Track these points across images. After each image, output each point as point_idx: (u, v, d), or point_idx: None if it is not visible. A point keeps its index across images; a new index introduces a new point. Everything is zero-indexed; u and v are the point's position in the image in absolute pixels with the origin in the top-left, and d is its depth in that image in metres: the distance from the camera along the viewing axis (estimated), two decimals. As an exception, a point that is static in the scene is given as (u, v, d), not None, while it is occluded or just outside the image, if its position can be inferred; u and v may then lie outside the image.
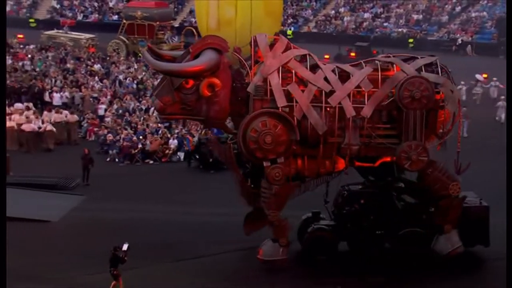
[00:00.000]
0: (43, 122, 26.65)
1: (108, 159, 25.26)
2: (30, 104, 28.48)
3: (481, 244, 16.45)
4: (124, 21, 41.70)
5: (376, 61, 16.21)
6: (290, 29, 49.75)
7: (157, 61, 15.96)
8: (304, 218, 17.25)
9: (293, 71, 15.80)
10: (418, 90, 15.34)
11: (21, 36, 44.83)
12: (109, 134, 26.21)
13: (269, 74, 15.60)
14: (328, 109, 15.61)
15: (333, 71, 15.89)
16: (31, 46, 41.53)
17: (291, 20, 52.19)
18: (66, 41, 42.48)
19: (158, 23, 40.79)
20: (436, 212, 16.01)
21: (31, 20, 53.34)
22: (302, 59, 16.16)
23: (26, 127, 26.14)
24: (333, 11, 53.31)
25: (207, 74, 15.43)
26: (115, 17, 52.98)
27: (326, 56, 44.65)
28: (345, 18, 51.85)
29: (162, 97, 15.59)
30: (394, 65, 16.02)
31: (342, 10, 53.18)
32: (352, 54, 41.88)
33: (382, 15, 51.83)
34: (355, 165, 16.25)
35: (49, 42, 43.05)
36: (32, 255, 16.45)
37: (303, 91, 15.63)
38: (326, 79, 15.72)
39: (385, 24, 50.82)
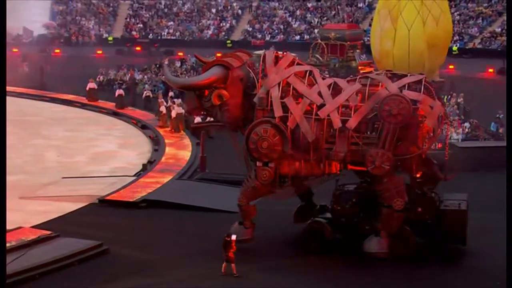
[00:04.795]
0: None
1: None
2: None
3: (458, 244, 16.49)
4: (319, 41, 42.03)
5: (368, 78, 16.32)
6: (455, 46, 47.84)
7: (171, 76, 18.13)
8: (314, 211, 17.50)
9: (291, 86, 16.23)
10: (395, 107, 15.34)
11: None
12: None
13: (271, 87, 16.18)
14: (324, 120, 15.97)
15: (329, 86, 16.19)
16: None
17: (457, 37, 50.01)
18: None
19: (348, 43, 40.61)
20: (379, 217, 15.85)
21: (228, 42, 55.77)
22: (307, 73, 16.66)
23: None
24: (499, 29, 50.30)
25: (217, 85, 16.46)
26: (297, 37, 53.94)
27: (490, 70, 42.39)
28: (511, 34, 48.73)
29: (187, 102, 17.44)
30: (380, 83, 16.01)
31: (508, 26, 50.05)
32: (517, 67, 39.25)
33: (550, 31, 48.04)
34: (347, 168, 16.48)
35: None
36: (212, 241, 17.12)
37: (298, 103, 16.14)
38: (320, 93, 16.04)
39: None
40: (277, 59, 16.75)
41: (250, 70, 16.82)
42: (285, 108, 16.26)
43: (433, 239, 16.56)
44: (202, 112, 17.40)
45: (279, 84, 16.33)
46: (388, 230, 15.99)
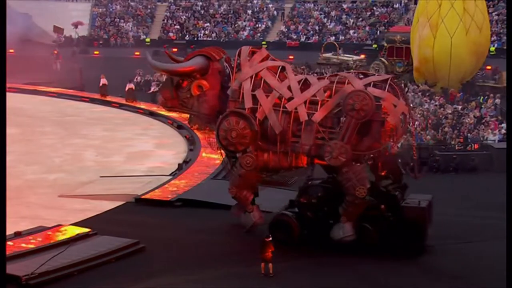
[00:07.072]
0: None
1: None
2: None
3: (418, 241, 16.35)
4: (385, 44, 41.31)
5: (337, 75, 16.92)
6: (493, 46, 46.99)
7: (153, 61, 18.15)
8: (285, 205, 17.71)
9: (263, 79, 16.64)
10: (358, 102, 15.51)
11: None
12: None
13: (244, 80, 16.65)
14: (291, 113, 16.39)
15: (299, 81, 16.53)
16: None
17: (495, 37, 49.12)
18: (337, 62, 41.92)
19: None
20: (342, 204, 16.25)
21: (263, 43, 55.81)
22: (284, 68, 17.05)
23: None
24: (538, 28, 49.25)
25: (198, 76, 16.86)
26: (332, 38, 53.69)
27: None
28: (549, 34, 47.65)
29: (162, 92, 17.54)
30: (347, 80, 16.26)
31: (547, 26, 48.93)
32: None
33: None
34: (314, 163, 16.65)
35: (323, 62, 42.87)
36: (246, 241, 17.27)
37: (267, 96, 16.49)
38: (289, 87, 16.38)
39: None
40: (252, 54, 17.32)
41: (227, 65, 17.53)
42: (256, 100, 16.73)
43: (395, 236, 16.45)
44: (176, 103, 17.55)
45: (251, 77, 16.85)
46: (348, 216, 16.22)
